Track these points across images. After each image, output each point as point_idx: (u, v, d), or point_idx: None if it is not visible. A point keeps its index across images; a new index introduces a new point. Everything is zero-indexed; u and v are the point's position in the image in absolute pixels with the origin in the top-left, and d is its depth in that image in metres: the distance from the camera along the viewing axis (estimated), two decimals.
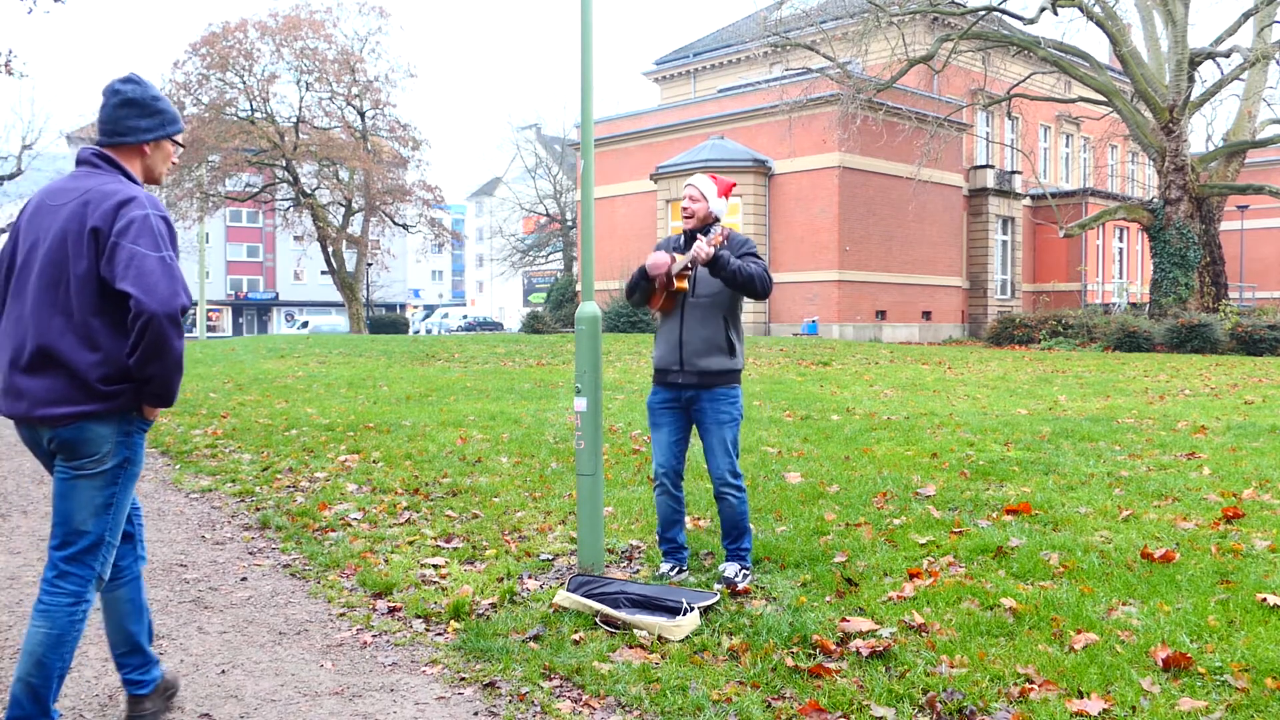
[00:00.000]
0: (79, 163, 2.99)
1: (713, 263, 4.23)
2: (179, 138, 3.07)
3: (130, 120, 2.96)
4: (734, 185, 4.59)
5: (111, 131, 2.97)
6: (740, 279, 4.26)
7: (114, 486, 2.89)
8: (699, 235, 4.41)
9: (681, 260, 4.29)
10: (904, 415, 9.95)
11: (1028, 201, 35.21)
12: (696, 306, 4.43)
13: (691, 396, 4.48)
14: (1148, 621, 3.74)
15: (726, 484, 4.46)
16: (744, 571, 4.46)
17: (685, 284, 4.38)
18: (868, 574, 4.46)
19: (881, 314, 29.89)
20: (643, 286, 4.49)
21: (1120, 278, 36.86)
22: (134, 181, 2.96)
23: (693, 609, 3.88)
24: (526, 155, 58.46)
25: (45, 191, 2.96)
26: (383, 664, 3.63)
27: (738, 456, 4.53)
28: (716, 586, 4.30)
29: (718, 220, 4.51)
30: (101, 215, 2.80)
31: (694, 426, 4.60)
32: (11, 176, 41.03)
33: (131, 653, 3.10)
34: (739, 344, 4.50)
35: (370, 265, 44.93)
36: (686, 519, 5.35)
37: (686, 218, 4.51)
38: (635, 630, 3.81)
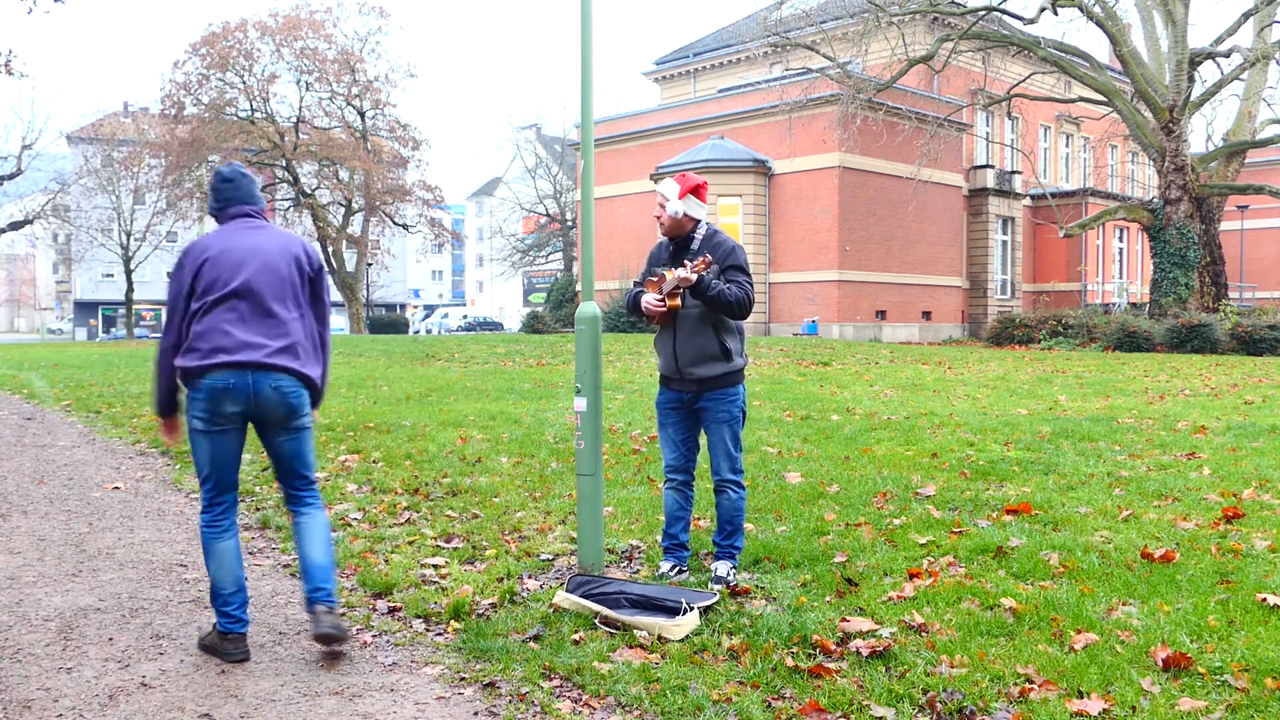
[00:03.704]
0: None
1: (695, 285, 4.27)
2: None
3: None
4: (701, 184, 4.52)
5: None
6: (719, 304, 4.31)
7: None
8: (686, 262, 4.39)
9: (670, 281, 4.31)
10: (904, 415, 9.95)
11: (1028, 201, 35.21)
12: (686, 318, 4.46)
13: (693, 397, 4.53)
14: (1148, 621, 3.74)
15: (726, 480, 4.52)
16: (734, 569, 4.49)
17: (678, 301, 4.40)
18: (868, 574, 4.46)
19: (881, 314, 29.89)
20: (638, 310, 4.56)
21: (1120, 278, 36.86)
22: None
23: (692, 609, 3.88)
24: (526, 155, 58.45)
25: None
26: (383, 664, 3.63)
27: (740, 452, 4.56)
28: (714, 586, 4.31)
29: (698, 223, 4.51)
30: None
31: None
32: (11, 176, 41.03)
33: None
34: (736, 345, 4.50)
35: (370, 265, 44.93)
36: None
37: (660, 224, 4.54)
38: (635, 630, 3.81)
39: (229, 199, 3.85)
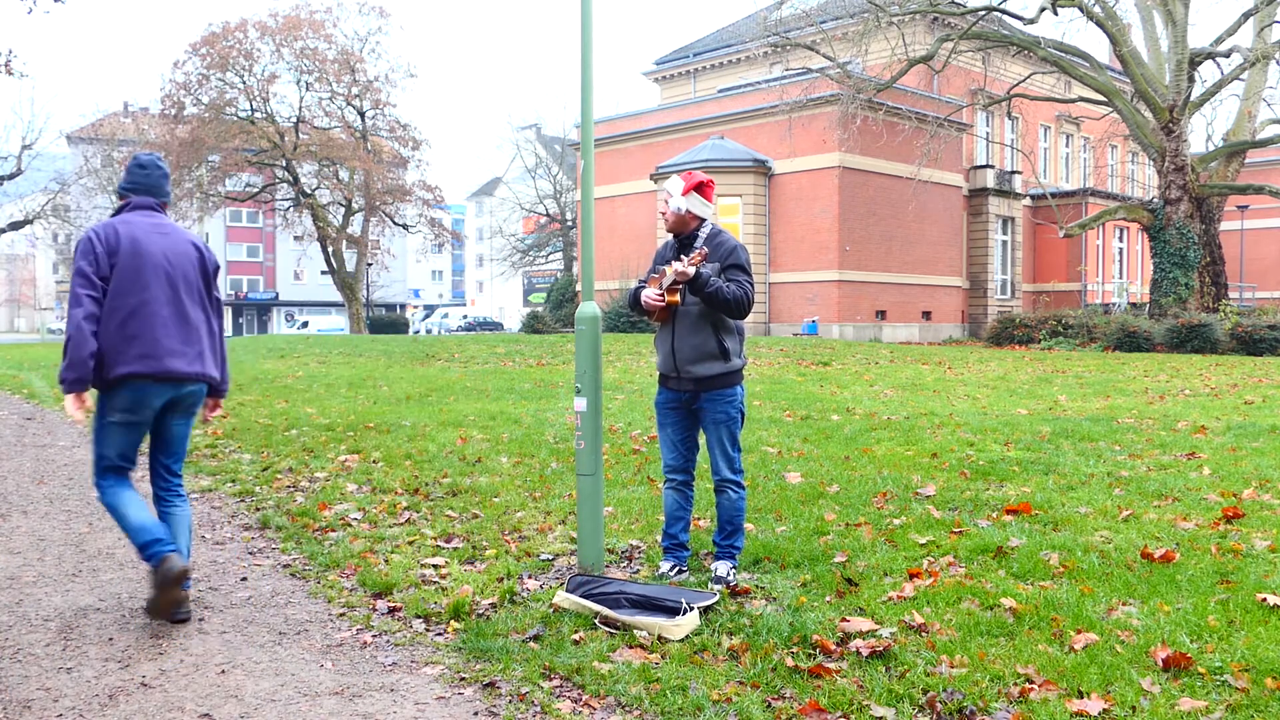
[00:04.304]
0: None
1: (693, 280, 4.29)
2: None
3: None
4: (706, 182, 4.51)
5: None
6: (717, 301, 4.32)
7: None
8: (682, 256, 4.42)
9: (669, 276, 4.32)
10: (904, 415, 9.95)
11: (1028, 201, 35.20)
12: (686, 315, 4.47)
13: (690, 397, 4.53)
14: (1148, 621, 3.74)
15: (725, 480, 4.54)
16: (734, 569, 4.49)
17: (677, 298, 4.41)
18: (868, 574, 4.46)
19: (881, 314, 29.88)
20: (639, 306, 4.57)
21: (1120, 278, 36.86)
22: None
23: (692, 609, 3.88)
24: (526, 155, 58.45)
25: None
26: (383, 664, 3.63)
27: (739, 453, 4.57)
28: (714, 586, 4.31)
29: (702, 222, 4.52)
30: None
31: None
32: (11, 176, 41.02)
33: None
34: (734, 345, 4.51)
35: (370, 265, 44.92)
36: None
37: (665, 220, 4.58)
38: (635, 630, 3.81)
39: (139, 185, 4.13)
